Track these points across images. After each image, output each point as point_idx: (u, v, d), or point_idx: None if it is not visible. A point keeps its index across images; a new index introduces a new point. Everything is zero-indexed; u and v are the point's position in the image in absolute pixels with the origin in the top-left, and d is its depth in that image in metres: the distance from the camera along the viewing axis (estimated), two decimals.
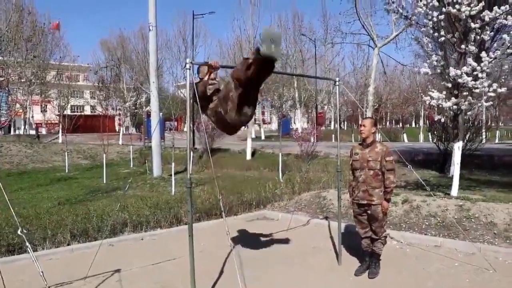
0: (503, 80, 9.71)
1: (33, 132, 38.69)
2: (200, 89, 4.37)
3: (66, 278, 5.23)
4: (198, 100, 4.17)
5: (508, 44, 7.68)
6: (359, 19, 21.04)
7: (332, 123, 54.58)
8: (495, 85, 8.14)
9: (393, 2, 8.87)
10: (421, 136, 38.96)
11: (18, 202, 10.46)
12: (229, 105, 3.94)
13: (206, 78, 4.49)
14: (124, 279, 5.26)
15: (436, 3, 8.10)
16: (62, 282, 5.12)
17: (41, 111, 42.42)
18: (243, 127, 4.59)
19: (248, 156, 21.50)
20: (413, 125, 61.93)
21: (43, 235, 6.67)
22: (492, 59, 7.97)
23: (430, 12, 8.25)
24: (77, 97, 44.29)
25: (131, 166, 20.59)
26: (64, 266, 5.81)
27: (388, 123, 60.30)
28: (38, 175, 17.87)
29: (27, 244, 4.06)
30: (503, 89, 8.34)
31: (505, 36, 7.78)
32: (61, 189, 13.71)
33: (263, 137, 42.86)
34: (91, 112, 51.15)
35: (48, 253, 6.25)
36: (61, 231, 6.84)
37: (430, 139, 16.91)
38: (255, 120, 44.55)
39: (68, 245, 6.64)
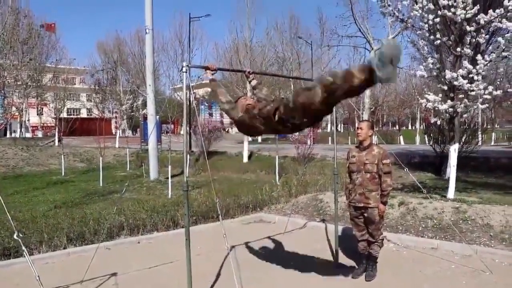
0: (498, 82, 9.75)
1: (29, 135, 38.65)
2: (245, 118, 3.92)
3: (63, 282, 5.22)
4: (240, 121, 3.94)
5: (503, 47, 7.73)
6: (355, 22, 21.22)
7: (329, 125, 54.67)
8: (490, 88, 8.17)
9: (389, 5, 8.90)
10: (418, 139, 39.11)
11: (14, 206, 10.42)
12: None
13: (244, 101, 4.17)
14: (121, 283, 5.24)
15: (432, 6, 8.14)
16: (59, 286, 5.11)
17: (37, 114, 42.36)
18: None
19: (245, 159, 21.51)
20: (410, 127, 62.10)
21: (39, 239, 6.63)
22: (487, 62, 8.01)
23: (426, 15, 8.28)
24: (73, 100, 44.18)
25: (128, 169, 20.54)
26: (60, 270, 5.79)
27: (384, 126, 60.43)
28: (34, 178, 17.80)
29: (23, 248, 4.05)
30: (499, 92, 8.37)
31: (500, 39, 7.83)
32: (58, 192, 13.66)
33: (259, 140, 42.86)
34: (88, 115, 51.08)
35: (44, 257, 6.22)
36: (57, 234, 6.80)
37: (427, 142, 16.94)
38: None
39: (64, 248, 6.61)
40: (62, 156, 20.15)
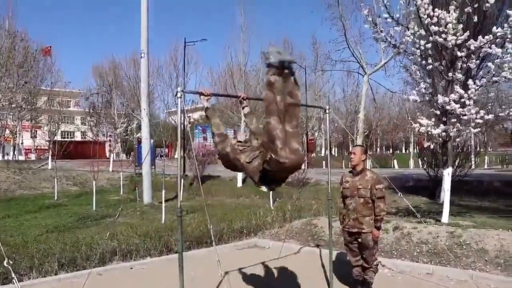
0: (490, 106, 9.86)
1: (22, 157, 38.38)
2: (230, 155, 3.91)
3: None
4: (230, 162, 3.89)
5: (493, 72, 7.85)
6: (348, 47, 21.41)
7: (323, 149, 54.78)
8: (482, 112, 8.26)
9: (381, 31, 9.05)
10: (411, 162, 39.20)
11: (5, 230, 10.29)
12: (276, 143, 3.26)
13: (234, 141, 4.07)
14: None
15: (423, 32, 8.28)
16: None
17: (31, 137, 42.18)
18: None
19: (239, 183, 21.44)
20: (403, 151, 62.36)
21: (29, 264, 6.53)
22: (478, 86, 8.12)
23: (418, 40, 8.42)
24: (67, 122, 44.15)
25: (121, 193, 20.40)
26: None
27: (378, 149, 60.65)
28: (27, 202, 17.61)
29: (13, 275, 3.98)
30: (490, 116, 8.46)
31: (490, 64, 7.96)
32: (50, 216, 13.51)
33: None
34: (82, 138, 50.92)
35: (34, 283, 6.11)
36: (48, 260, 6.71)
37: (420, 165, 16.99)
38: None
39: (55, 274, 6.50)
40: (55, 179, 20.01)
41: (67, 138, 48.79)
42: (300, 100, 3.42)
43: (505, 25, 7.73)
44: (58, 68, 38.74)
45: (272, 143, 3.24)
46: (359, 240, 5.15)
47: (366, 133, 33.28)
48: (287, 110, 3.29)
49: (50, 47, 33.63)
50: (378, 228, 5.18)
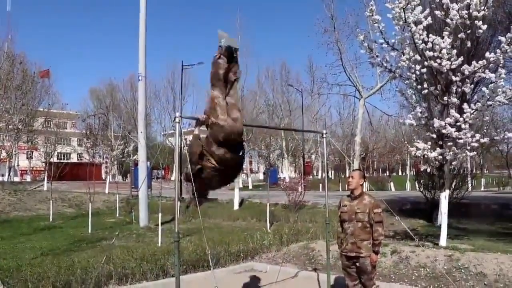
0: (485, 130, 9.94)
1: (17, 179, 38.12)
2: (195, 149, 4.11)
3: None
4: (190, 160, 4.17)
5: (488, 97, 7.94)
6: (344, 71, 21.67)
7: (320, 172, 54.76)
8: (478, 136, 8.33)
9: (377, 56, 9.16)
10: (408, 185, 39.20)
11: None
12: (217, 109, 3.97)
13: (196, 131, 4.26)
14: None
15: (418, 57, 8.40)
16: None
17: (27, 158, 42.03)
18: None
19: (236, 206, 21.34)
20: (400, 173, 62.42)
21: None
22: (473, 110, 8.21)
23: (413, 65, 8.54)
24: (64, 144, 44.08)
25: (117, 215, 20.28)
26: None
27: (375, 172, 60.67)
28: (21, 224, 17.44)
29: None
30: (486, 139, 8.52)
31: (484, 88, 8.06)
32: (45, 238, 13.38)
33: (250, 187, 42.72)
34: (78, 159, 50.80)
35: None
36: (43, 284, 6.62)
37: (417, 188, 17.01)
38: (242, 170, 44.56)
39: None
40: (51, 201, 19.87)
41: (63, 159, 48.58)
42: (239, 78, 4.38)
43: (498, 50, 7.87)
44: (55, 90, 38.81)
45: (214, 110, 3.95)
46: (357, 264, 5.12)
47: (362, 156, 33.34)
48: (230, 86, 4.17)
49: (49, 69, 33.82)
50: (377, 253, 5.15)
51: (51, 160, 32.89)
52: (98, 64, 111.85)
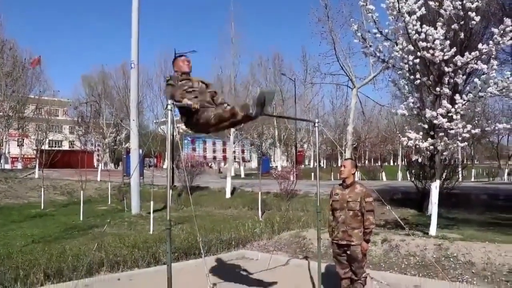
0: (476, 121, 10.00)
1: (8, 166, 37.80)
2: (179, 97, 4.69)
3: None
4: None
5: (479, 88, 7.98)
6: (337, 60, 21.64)
7: (312, 161, 54.91)
8: (469, 126, 8.38)
9: (370, 46, 9.16)
10: (400, 175, 39.42)
11: None
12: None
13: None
14: None
15: (411, 48, 8.41)
16: None
17: (18, 145, 41.73)
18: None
19: (228, 194, 21.40)
20: (392, 163, 62.75)
21: (14, 276, 6.43)
22: (465, 101, 8.24)
23: (406, 56, 8.54)
24: (55, 132, 43.80)
25: (109, 203, 20.27)
26: None
27: (367, 162, 60.93)
28: (12, 212, 17.39)
29: None
30: (477, 130, 8.58)
31: (476, 80, 8.09)
32: (36, 226, 13.37)
33: (242, 175, 42.78)
34: (70, 147, 50.48)
35: None
36: (34, 271, 6.61)
37: (408, 178, 17.11)
38: (234, 158, 44.63)
39: (41, 285, 6.41)
40: (42, 188, 19.80)
41: (55, 147, 48.27)
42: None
43: (490, 42, 7.89)
44: (46, 77, 38.43)
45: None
46: (348, 252, 5.17)
47: (354, 146, 33.46)
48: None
49: (40, 57, 33.39)
50: (367, 241, 5.20)
51: (43, 147, 32.68)
52: (90, 51, 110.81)
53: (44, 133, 33.03)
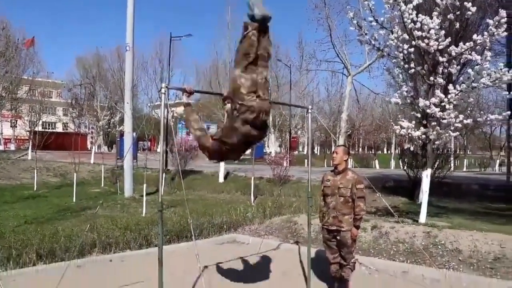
0: (469, 111, 10.05)
1: (1, 147, 37.63)
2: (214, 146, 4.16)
3: None
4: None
5: (473, 78, 8.02)
6: (333, 48, 21.64)
7: (305, 148, 55.03)
8: (461, 116, 8.45)
9: (366, 34, 9.16)
10: (393, 163, 39.64)
11: None
12: (241, 91, 3.70)
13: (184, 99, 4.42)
14: None
15: (407, 37, 8.42)
16: None
17: (11, 126, 41.50)
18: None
19: (221, 179, 21.47)
20: (385, 151, 63.04)
21: (6, 255, 6.48)
22: (458, 91, 8.29)
23: (401, 44, 8.56)
24: (49, 113, 43.53)
25: (102, 185, 20.29)
26: (28, 287, 5.66)
27: (360, 149, 61.16)
28: (5, 192, 17.36)
29: None
30: (469, 121, 8.64)
31: (470, 70, 8.13)
32: (29, 207, 13.38)
33: (236, 160, 42.80)
34: (63, 129, 50.28)
35: (12, 274, 6.06)
36: (26, 251, 6.67)
37: (401, 166, 17.24)
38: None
39: (33, 265, 6.47)
40: (35, 170, 19.77)
41: (48, 129, 48.04)
42: (271, 54, 3.93)
43: (485, 33, 7.92)
44: (40, 59, 37.99)
45: (237, 91, 3.66)
46: (338, 238, 5.24)
47: (348, 133, 33.57)
48: (260, 63, 3.72)
49: (34, 37, 33.00)
50: (357, 227, 5.28)
51: (36, 129, 32.52)
52: (85, 34, 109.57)
53: (37, 115, 32.78)
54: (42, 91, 33.65)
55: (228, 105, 4.61)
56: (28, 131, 33.86)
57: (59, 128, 53.45)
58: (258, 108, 3.68)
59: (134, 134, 18.66)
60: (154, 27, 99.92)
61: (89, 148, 39.79)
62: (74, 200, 14.68)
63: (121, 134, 28.06)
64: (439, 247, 7.16)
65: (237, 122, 3.78)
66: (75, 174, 16.38)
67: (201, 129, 4.25)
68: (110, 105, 34.40)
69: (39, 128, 34.23)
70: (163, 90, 4.11)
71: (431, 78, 8.58)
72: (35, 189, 18.36)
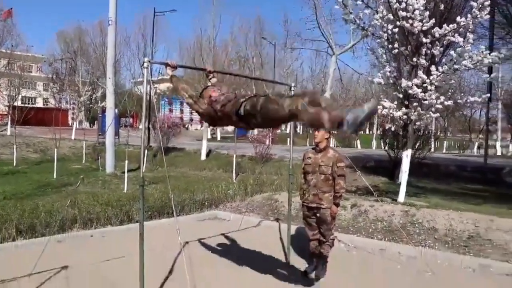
0: (450, 93, 10.16)
1: None
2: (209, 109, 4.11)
3: (10, 275, 5.08)
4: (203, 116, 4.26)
5: (455, 60, 8.10)
6: (318, 26, 21.51)
7: (288, 126, 55.10)
8: (442, 98, 8.54)
9: (351, 13, 9.13)
10: (374, 143, 40.09)
11: None
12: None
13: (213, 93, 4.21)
14: (71, 276, 5.18)
15: (391, 17, 8.42)
16: (5, 279, 4.98)
17: None
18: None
19: (203, 156, 21.49)
20: (367, 132, 63.57)
21: None
22: (440, 73, 8.37)
23: (386, 24, 8.56)
24: (29, 88, 42.65)
25: (84, 161, 20.13)
26: (7, 262, 5.64)
27: None
28: None
29: None
30: (450, 102, 8.75)
31: (452, 52, 8.20)
32: (8, 183, 13.21)
33: (219, 138, 42.81)
34: (44, 104, 49.37)
35: None
36: (6, 226, 6.61)
37: (382, 147, 17.43)
38: None
39: (13, 240, 6.44)
40: (15, 145, 19.47)
41: (28, 104, 47.10)
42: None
43: (469, 15, 7.97)
44: (19, 32, 37.04)
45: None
46: (318, 215, 5.31)
47: None
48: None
49: (12, 8, 32.05)
50: (337, 205, 5.36)
51: (15, 104, 31.83)
52: (66, 6, 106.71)
53: (16, 89, 32.05)
54: (22, 65, 32.87)
55: (214, 79, 4.69)
56: (7, 106, 33.14)
57: (40, 103, 52.46)
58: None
59: (116, 110, 18.45)
60: (137, 2, 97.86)
61: (70, 124, 39.23)
62: (54, 176, 14.55)
63: (103, 110, 27.67)
64: (416, 225, 7.32)
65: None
66: (55, 150, 16.19)
67: (192, 95, 4.29)
68: (92, 80, 33.80)
69: (18, 103, 33.48)
70: (145, 65, 4.07)
71: (414, 59, 8.63)
72: (14, 164, 18.13)
